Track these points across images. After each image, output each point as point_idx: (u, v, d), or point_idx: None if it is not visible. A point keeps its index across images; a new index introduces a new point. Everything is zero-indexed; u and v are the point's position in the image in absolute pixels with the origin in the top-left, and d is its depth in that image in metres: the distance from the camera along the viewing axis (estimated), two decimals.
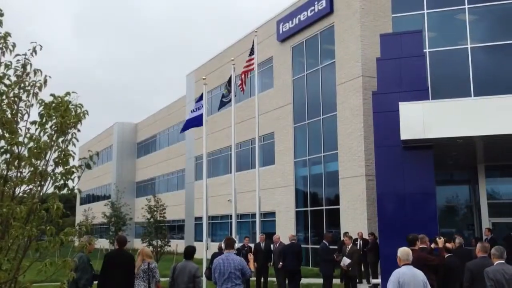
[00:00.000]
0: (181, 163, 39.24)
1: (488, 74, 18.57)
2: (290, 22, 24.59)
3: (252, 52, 16.42)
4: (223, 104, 17.33)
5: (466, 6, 19.14)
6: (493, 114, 13.99)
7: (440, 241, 9.43)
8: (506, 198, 18.75)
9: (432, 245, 9.25)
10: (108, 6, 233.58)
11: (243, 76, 16.37)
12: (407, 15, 20.07)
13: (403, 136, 14.57)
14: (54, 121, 4.20)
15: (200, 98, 17.02)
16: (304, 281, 15.58)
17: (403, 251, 6.86)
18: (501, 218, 18.02)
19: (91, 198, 61.28)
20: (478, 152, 17.09)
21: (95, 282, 8.72)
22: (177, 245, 21.15)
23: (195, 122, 16.70)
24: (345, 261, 13.65)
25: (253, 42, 16.43)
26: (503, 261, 7.02)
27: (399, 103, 14.79)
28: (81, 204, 63.79)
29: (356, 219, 19.66)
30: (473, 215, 19.66)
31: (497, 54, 18.74)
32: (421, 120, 14.40)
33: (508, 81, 18.20)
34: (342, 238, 18.11)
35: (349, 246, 14.19)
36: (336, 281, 15.49)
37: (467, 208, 20.19)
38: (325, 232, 20.08)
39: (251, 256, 8.97)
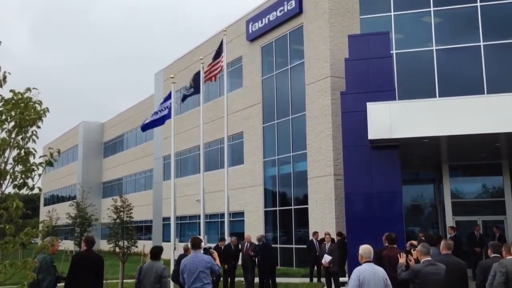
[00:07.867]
0: (149, 163, 38.74)
1: (453, 76, 19.01)
2: (260, 22, 24.58)
3: (220, 51, 16.29)
4: (185, 97, 17.35)
5: (432, 9, 19.54)
6: (457, 115, 14.30)
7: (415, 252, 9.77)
8: (469, 197, 19.22)
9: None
10: (65, 15, 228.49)
11: (211, 70, 16.18)
12: (374, 16, 20.36)
13: (371, 136, 14.74)
14: (13, 117, 4.03)
15: (168, 97, 16.70)
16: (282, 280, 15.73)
17: (365, 249, 6.75)
18: (464, 217, 18.45)
19: (55, 199, 59.81)
20: (443, 152, 17.45)
21: (60, 284, 8.46)
22: (144, 246, 20.80)
23: (159, 122, 16.52)
24: (326, 258, 14.19)
25: (222, 41, 16.32)
26: (430, 258, 7.16)
27: (367, 103, 14.96)
28: (45, 205, 62.20)
29: (324, 218, 19.79)
30: (438, 213, 20.08)
31: (461, 56, 19.20)
32: (388, 120, 14.60)
33: (471, 82, 18.68)
34: (310, 237, 18.47)
35: (329, 244, 14.65)
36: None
37: (432, 207, 20.60)
38: (313, 231, 19.95)
39: (215, 254, 8.98)
